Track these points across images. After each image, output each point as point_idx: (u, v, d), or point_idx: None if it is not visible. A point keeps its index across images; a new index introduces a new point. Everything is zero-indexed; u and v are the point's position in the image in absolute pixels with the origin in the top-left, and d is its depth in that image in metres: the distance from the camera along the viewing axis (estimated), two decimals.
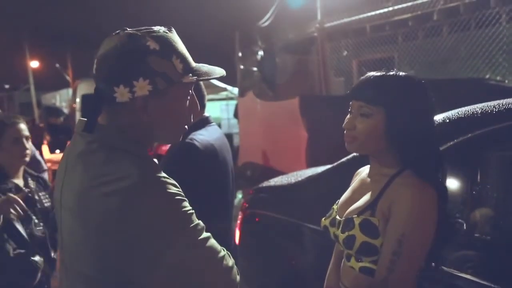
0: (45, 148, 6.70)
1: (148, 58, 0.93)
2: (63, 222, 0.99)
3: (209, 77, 1.05)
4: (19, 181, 2.09)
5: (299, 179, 2.40)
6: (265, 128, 7.31)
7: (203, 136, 1.91)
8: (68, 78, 22.71)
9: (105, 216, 0.88)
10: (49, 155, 6.49)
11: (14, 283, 1.91)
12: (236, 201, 5.04)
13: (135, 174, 0.89)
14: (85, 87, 10.47)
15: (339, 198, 1.47)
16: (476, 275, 1.36)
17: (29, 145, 2.06)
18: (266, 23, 8.75)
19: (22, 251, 1.92)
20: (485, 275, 1.35)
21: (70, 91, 20.50)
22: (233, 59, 9.49)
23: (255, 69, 9.23)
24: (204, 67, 1.07)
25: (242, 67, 9.60)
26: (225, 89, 12.90)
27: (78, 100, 10.55)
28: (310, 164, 5.23)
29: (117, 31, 0.98)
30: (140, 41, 0.94)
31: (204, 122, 2.00)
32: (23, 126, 2.06)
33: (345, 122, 1.28)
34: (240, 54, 9.51)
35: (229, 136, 9.44)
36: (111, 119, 0.98)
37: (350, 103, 1.28)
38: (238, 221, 2.59)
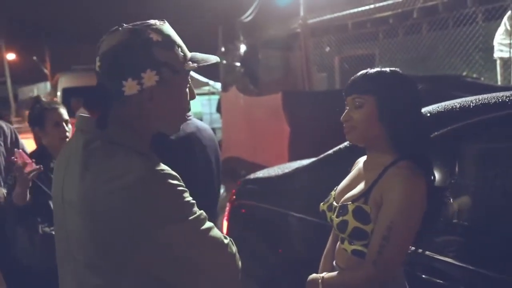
0: (30, 142, 6.58)
1: (153, 49, 0.97)
2: (67, 217, 1.02)
3: (206, 63, 1.09)
4: None
5: (286, 171, 2.47)
6: (248, 122, 7.35)
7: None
8: (46, 71, 22.18)
9: (110, 212, 0.92)
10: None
11: (44, 260, 1.95)
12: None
13: (137, 170, 0.93)
14: (66, 81, 10.31)
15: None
16: (455, 258, 1.48)
17: (68, 128, 2.18)
18: (249, 18, 8.78)
19: (51, 230, 1.97)
20: (464, 258, 1.46)
21: (48, 84, 20.03)
22: (215, 54, 9.49)
23: (238, 64, 9.26)
24: (198, 54, 1.12)
25: (224, 62, 9.62)
26: (207, 84, 12.89)
27: (59, 93, 10.39)
28: (292, 158, 5.31)
29: (115, 27, 1.01)
30: (143, 34, 0.97)
31: None
32: (63, 111, 2.20)
33: (342, 116, 1.39)
34: (223, 49, 9.54)
35: None
36: (116, 112, 1.00)
37: (345, 101, 1.39)
38: (226, 212, 2.64)
